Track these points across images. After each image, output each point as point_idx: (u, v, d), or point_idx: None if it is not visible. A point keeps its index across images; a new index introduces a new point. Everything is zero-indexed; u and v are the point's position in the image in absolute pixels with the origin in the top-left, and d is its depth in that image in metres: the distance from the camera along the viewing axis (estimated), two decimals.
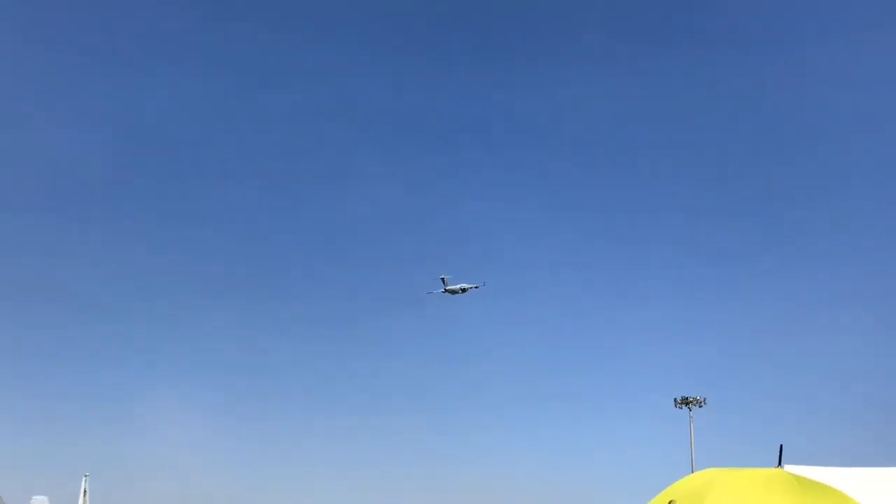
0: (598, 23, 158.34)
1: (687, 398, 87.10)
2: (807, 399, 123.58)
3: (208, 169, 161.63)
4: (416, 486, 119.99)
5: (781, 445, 7.83)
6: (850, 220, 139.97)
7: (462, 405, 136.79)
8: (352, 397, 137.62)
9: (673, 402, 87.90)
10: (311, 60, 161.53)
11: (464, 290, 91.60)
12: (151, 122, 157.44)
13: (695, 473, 7.74)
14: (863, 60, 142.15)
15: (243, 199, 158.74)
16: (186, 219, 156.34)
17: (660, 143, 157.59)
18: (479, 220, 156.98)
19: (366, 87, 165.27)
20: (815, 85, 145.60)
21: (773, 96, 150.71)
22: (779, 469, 7.50)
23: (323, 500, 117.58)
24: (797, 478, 7.11)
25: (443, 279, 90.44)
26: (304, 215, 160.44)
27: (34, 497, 58.20)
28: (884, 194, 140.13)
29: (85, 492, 50.55)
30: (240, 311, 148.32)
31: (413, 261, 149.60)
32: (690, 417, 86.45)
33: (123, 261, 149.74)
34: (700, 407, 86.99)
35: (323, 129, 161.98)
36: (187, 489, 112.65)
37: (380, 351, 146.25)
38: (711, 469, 7.85)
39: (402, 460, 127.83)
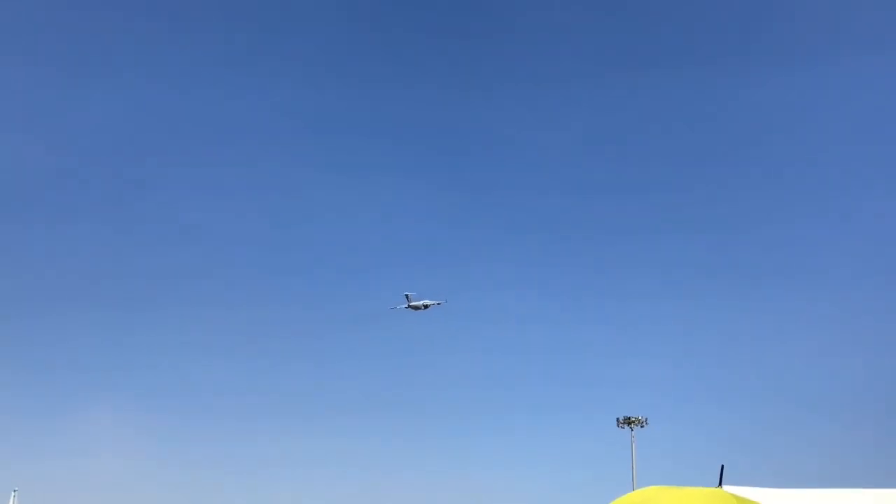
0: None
1: (629, 418, 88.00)
2: (748, 420, 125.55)
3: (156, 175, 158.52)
4: (360, 498, 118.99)
5: (722, 466, 7.84)
6: (793, 243, 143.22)
7: (408, 419, 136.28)
8: (302, 410, 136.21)
9: (615, 422, 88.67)
10: (272, 67, 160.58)
11: (426, 307, 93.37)
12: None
13: (636, 491, 7.70)
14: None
15: (189, 215, 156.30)
16: (123, 228, 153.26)
17: (616, 170, 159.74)
18: (441, 239, 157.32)
19: (333, 98, 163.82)
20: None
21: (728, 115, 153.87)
22: (719, 489, 7.51)
23: None
24: (737, 498, 7.12)
25: (407, 295, 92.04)
26: (258, 226, 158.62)
27: None
28: (826, 219, 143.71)
29: None
30: (179, 325, 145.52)
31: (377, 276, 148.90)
32: (632, 437, 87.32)
33: (48, 271, 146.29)
34: (642, 427, 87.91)
35: (283, 138, 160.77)
36: None
37: (332, 366, 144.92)
38: (652, 487, 7.83)
39: (347, 474, 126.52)
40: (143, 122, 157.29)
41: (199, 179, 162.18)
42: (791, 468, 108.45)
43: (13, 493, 50.39)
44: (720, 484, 7.66)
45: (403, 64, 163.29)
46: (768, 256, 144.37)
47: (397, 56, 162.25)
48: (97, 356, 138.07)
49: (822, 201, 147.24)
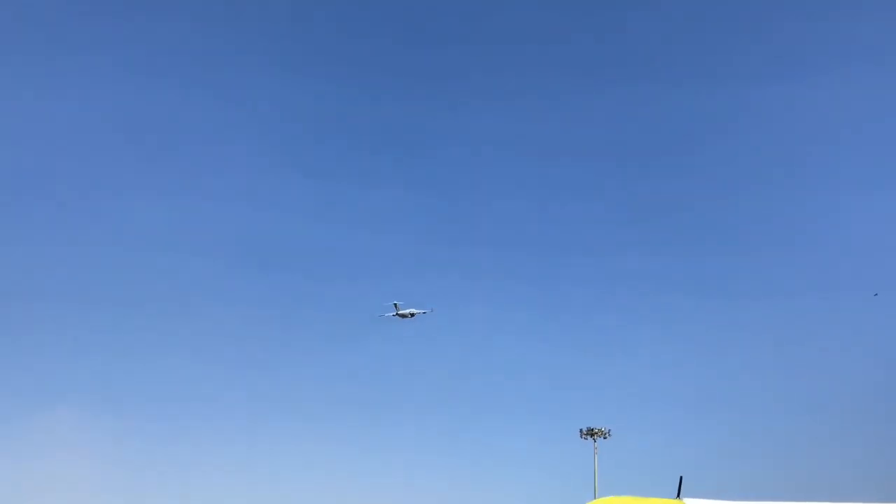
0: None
1: (592, 429, 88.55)
2: (711, 433, 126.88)
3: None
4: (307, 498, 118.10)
5: (681, 477, 7.96)
6: (757, 260, 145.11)
7: (373, 426, 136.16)
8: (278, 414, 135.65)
9: (579, 433, 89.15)
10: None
11: (412, 315, 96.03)
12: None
13: (595, 501, 7.80)
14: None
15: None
16: (85, 229, 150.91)
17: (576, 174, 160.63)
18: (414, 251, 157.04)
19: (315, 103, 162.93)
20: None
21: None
22: (678, 500, 7.59)
23: None
24: None
25: (395, 304, 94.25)
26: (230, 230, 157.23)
27: None
28: (785, 235, 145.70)
29: None
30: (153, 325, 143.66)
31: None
32: (595, 448, 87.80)
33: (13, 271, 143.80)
34: (605, 438, 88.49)
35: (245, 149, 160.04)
36: None
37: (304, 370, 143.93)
38: (612, 497, 7.92)
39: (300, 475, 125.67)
40: (119, 121, 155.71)
41: (177, 183, 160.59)
42: (753, 481, 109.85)
43: None
44: (678, 495, 7.76)
45: (388, 71, 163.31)
46: (733, 272, 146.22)
47: (382, 63, 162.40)
48: (60, 357, 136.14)
49: (783, 215, 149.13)
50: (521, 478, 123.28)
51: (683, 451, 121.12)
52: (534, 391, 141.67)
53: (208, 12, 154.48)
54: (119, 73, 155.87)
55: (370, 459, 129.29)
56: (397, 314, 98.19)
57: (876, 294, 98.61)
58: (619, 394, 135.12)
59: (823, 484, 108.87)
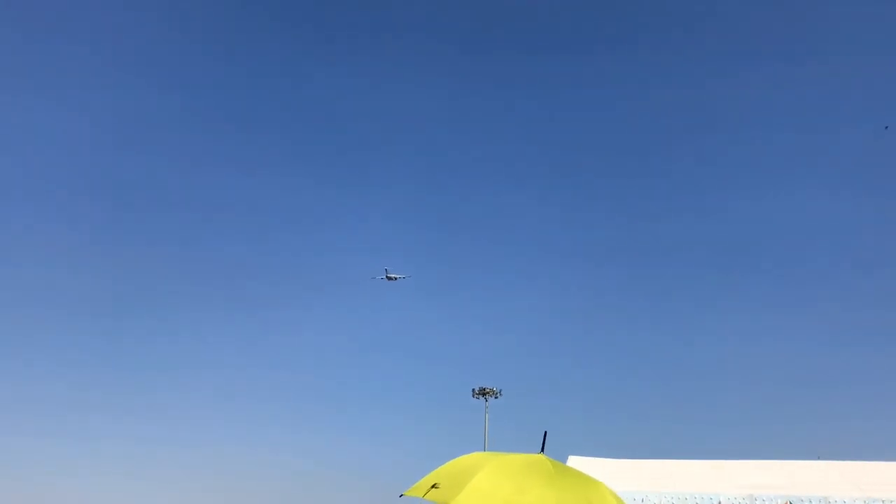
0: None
1: (484, 389, 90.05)
2: (599, 392, 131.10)
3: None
4: (200, 471, 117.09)
5: (546, 432, 8.11)
6: (638, 212, 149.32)
7: (266, 396, 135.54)
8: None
9: (471, 393, 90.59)
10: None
11: (395, 279, 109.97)
12: None
13: (459, 457, 7.84)
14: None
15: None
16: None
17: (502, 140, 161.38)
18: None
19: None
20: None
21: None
22: (540, 454, 7.74)
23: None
24: (553, 463, 7.36)
25: (386, 269, 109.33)
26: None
27: None
28: (677, 201, 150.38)
29: None
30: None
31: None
32: (486, 407, 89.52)
33: None
34: (496, 398, 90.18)
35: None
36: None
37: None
38: (475, 453, 7.96)
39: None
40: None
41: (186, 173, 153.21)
42: (637, 441, 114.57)
43: None
44: (542, 450, 7.90)
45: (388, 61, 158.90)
46: (624, 225, 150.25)
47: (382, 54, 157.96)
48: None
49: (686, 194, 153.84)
50: (413, 439, 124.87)
51: (572, 412, 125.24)
52: (426, 350, 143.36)
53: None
54: None
55: (250, 430, 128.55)
56: (387, 277, 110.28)
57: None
58: (511, 353, 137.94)
59: (715, 442, 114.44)
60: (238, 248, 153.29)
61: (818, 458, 49.91)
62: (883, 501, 40.30)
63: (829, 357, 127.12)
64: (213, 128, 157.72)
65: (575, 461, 49.80)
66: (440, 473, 7.49)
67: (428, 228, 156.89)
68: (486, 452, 7.79)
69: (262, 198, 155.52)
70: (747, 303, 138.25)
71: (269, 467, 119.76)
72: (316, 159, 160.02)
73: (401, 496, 7.81)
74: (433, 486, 7.28)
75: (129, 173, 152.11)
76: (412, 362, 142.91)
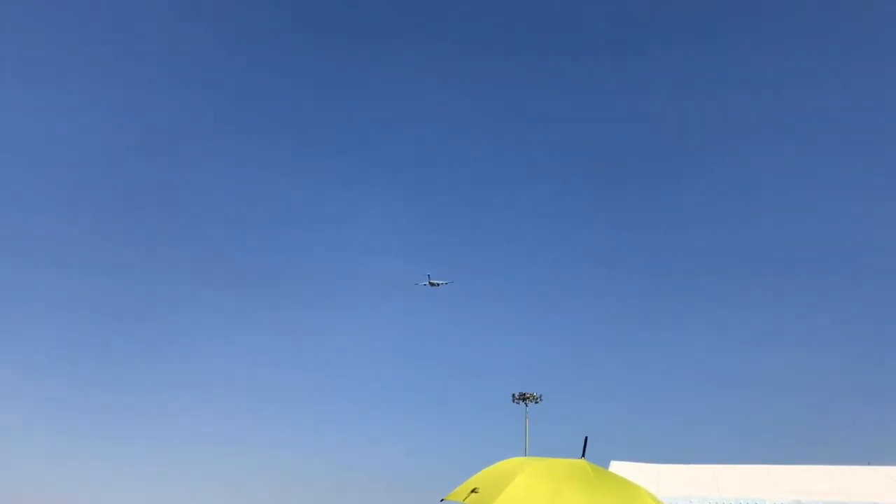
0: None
1: (524, 394, 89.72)
2: (642, 396, 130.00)
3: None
4: (240, 475, 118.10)
5: (586, 437, 8.05)
6: (687, 220, 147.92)
7: (305, 399, 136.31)
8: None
9: (511, 398, 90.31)
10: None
11: (438, 285, 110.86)
12: None
13: (499, 462, 7.84)
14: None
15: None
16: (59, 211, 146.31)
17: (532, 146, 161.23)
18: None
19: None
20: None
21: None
22: (581, 459, 7.69)
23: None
24: (593, 468, 7.31)
25: (428, 276, 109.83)
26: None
27: None
28: (718, 215, 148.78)
29: None
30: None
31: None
32: (526, 413, 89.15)
33: None
34: (536, 403, 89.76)
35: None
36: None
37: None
38: (515, 458, 7.95)
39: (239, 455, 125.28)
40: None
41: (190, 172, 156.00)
42: (681, 446, 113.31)
43: None
44: (583, 455, 7.85)
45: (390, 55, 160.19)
46: (668, 233, 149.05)
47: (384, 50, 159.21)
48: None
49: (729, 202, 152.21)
50: (452, 445, 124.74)
51: (614, 416, 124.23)
52: (464, 355, 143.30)
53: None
54: None
55: (299, 436, 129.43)
56: (429, 283, 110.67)
57: None
58: (552, 359, 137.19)
59: (758, 448, 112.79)
60: (280, 254, 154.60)
61: (868, 464, 48.90)
62: None
63: (878, 361, 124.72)
64: (256, 131, 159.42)
65: (617, 466, 49.38)
66: (480, 478, 7.50)
67: (468, 234, 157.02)
68: (526, 457, 7.77)
69: (301, 203, 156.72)
70: (795, 308, 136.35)
71: (309, 472, 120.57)
72: (358, 167, 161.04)
73: (441, 501, 7.83)
74: (473, 491, 7.29)
75: (162, 177, 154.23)
76: (452, 368, 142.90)
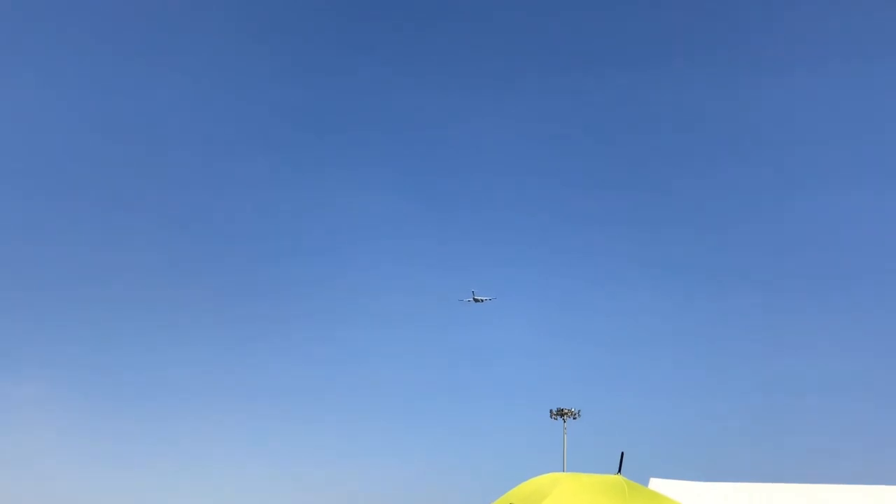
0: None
1: (562, 409, 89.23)
2: (679, 414, 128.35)
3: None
4: (283, 485, 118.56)
5: (623, 453, 8.08)
6: (732, 243, 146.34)
7: (339, 409, 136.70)
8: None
9: (549, 414, 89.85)
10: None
11: (482, 301, 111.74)
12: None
13: (535, 478, 7.89)
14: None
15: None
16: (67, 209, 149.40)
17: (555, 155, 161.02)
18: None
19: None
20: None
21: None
22: (617, 475, 7.72)
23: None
24: (629, 483, 7.34)
25: (472, 292, 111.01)
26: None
27: None
28: (763, 222, 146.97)
29: None
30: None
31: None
32: (564, 428, 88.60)
33: None
34: (574, 419, 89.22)
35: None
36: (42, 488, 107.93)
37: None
38: (553, 473, 7.99)
39: (265, 461, 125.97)
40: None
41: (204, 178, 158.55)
42: (721, 463, 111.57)
43: None
44: (619, 471, 7.88)
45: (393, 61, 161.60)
46: (707, 253, 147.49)
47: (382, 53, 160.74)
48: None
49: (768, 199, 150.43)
50: (490, 460, 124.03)
51: (654, 433, 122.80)
52: (502, 371, 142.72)
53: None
54: None
55: (336, 450, 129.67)
56: (474, 299, 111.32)
57: None
58: (591, 374, 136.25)
59: (795, 466, 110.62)
60: (323, 266, 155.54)
61: None
62: None
63: None
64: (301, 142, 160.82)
65: (657, 484, 48.69)
66: (516, 493, 7.54)
67: (506, 250, 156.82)
68: (562, 473, 7.80)
69: (353, 215, 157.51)
70: (844, 321, 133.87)
71: (341, 489, 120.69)
72: (407, 181, 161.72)
73: None
74: None
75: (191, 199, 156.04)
76: (490, 383, 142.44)
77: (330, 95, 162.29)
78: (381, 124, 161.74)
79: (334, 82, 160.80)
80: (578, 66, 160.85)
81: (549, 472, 8.37)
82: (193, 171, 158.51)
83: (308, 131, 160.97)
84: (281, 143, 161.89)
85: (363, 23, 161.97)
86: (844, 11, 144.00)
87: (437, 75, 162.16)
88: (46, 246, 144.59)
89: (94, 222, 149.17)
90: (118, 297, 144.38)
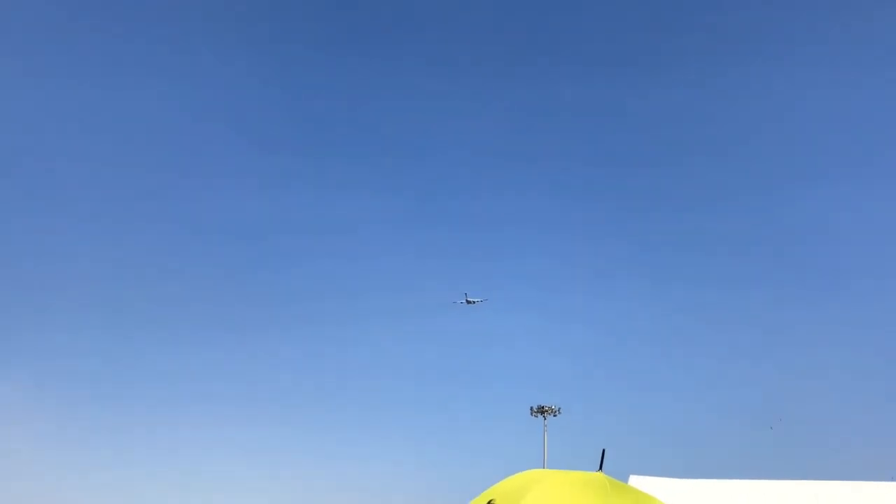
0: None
1: (543, 407, 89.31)
2: (660, 412, 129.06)
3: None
4: (271, 484, 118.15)
5: (604, 450, 8.02)
6: (709, 240, 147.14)
7: (318, 407, 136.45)
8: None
9: (529, 411, 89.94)
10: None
11: (474, 302, 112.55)
12: None
13: (517, 474, 7.82)
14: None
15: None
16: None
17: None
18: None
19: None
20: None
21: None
22: (598, 472, 7.66)
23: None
24: (611, 481, 7.27)
25: (465, 294, 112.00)
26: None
27: None
28: (742, 218, 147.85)
29: None
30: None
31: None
32: (545, 426, 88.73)
33: None
34: (555, 416, 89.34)
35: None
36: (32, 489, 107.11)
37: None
38: (533, 470, 7.92)
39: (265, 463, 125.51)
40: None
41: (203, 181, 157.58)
42: (700, 460, 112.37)
43: None
44: (601, 468, 7.82)
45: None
46: (681, 252, 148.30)
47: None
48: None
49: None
50: (469, 457, 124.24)
51: (634, 431, 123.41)
52: (482, 368, 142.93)
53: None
54: None
55: (314, 446, 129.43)
56: (466, 301, 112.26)
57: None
58: (571, 372, 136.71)
59: (773, 463, 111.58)
60: (323, 266, 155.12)
61: (893, 479, 48.22)
62: None
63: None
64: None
65: (636, 481, 48.98)
66: (496, 490, 7.47)
67: (486, 246, 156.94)
68: (544, 469, 7.74)
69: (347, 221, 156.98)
70: (816, 321, 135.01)
71: (321, 484, 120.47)
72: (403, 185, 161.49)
73: None
74: (489, 503, 7.27)
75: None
76: (471, 380, 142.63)
77: (330, 95, 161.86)
78: (379, 125, 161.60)
79: (334, 82, 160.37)
80: (572, 67, 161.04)
81: (530, 469, 8.31)
82: (192, 170, 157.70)
83: (303, 132, 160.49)
84: (279, 142, 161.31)
85: (355, 21, 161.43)
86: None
87: (438, 75, 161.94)
88: (46, 247, 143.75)
89: (93, 221, 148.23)
90: (118, 295, 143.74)
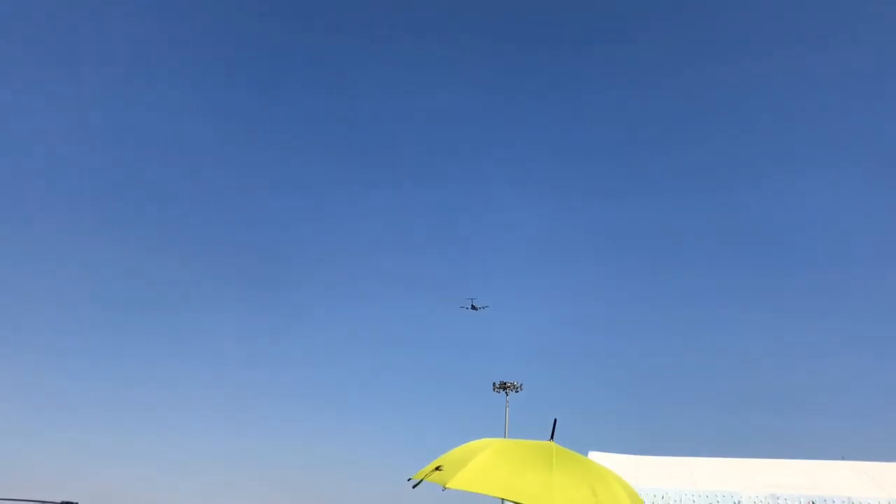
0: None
1: (505, 383, 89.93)
2: (622, 388, 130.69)
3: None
4: (234, 468, 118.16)
5: (555, 420, 8.04)
6: (675, 223, 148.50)
7: (284, 391, 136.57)
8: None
9: (492, 387, 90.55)
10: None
11: (478, 308, 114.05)
12: None
13: (469, 442, 7.84)
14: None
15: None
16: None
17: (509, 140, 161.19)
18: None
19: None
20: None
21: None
22: (549, 441, 7.68)
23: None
24: (560, 449, 7.29)
25: (471, 300, 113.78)
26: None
27: None
28: (706, 204, 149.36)
29: None
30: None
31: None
32: (507, 402, 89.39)
33: None
34: (517, 392, 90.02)
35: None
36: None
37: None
38: (484, 439, 7.94)
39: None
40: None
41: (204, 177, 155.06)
42: (662, 439, 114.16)
43: None
44: (552, 437, 7.85)
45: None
46: (653, 236, 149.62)
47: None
48: None
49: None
50: (432, 433, 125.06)
51: (595, 408, 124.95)
52: (445, 344, 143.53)
53: None
54: None
55: (279, 430, 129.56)
56: (472, 307, 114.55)
57: None
58: (532, 349, 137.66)
59: (738, 441, 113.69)
60: (322, 266, 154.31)
61: (842, 458, 49.40)
62: None
63: (852, 357, 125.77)
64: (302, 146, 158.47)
65: (595, 456, 49.60)
66: (446, 457, 7.50)
67: (452, 222, 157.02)
68: (495, 438, 7.76)
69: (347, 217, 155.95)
70: (769, 301, 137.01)
71: (291, 461, 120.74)
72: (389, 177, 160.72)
73: (409, 480, 7.82)
74: (437, 469, 7.29)
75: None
76: (433, 356, 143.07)
77: (329, 96, 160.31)
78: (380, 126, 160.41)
79: (335, 82, 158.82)
80: (570, 68, 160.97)
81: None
82: (190, 170, 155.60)
83: (303, 132, 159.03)
84: (278, 143, 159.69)
85: (358, 20, 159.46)
86: None
87: (438, 76, 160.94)
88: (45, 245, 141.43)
89: (91, 221, 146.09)
90: (117, 296, 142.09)
